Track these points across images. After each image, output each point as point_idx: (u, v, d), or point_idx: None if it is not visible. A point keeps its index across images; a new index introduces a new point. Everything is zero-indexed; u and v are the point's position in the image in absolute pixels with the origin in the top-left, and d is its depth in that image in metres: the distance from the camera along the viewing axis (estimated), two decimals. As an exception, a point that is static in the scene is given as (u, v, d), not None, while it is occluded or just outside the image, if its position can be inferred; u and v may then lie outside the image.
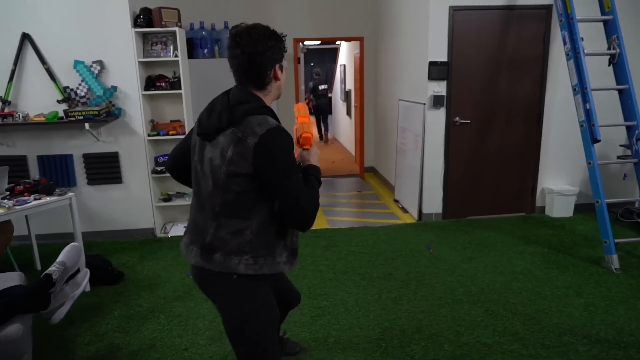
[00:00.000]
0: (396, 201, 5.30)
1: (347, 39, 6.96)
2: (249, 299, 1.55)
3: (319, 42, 16.38)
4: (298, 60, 6.45)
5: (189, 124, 4.21)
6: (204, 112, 1.61)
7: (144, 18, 3.96)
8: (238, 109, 1.48)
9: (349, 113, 8.65)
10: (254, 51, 1.48)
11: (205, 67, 5.81)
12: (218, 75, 5.81)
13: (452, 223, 4.49)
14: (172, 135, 4.25)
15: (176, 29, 4.04)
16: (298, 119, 1.72)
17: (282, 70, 1.55)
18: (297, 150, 1.67)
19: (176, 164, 1.73)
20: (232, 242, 1.49)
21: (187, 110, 4.25)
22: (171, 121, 4.41)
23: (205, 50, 5.87)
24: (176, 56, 4.13)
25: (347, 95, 8.71)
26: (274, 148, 1.42)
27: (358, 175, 6.97)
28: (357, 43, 6.72)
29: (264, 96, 1.54)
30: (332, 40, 6.31)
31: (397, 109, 5.24)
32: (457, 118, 4.40)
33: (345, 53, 8.96)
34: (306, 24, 6.30)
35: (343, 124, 9.67)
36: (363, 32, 6.43)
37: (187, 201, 4.41)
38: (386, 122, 5.96)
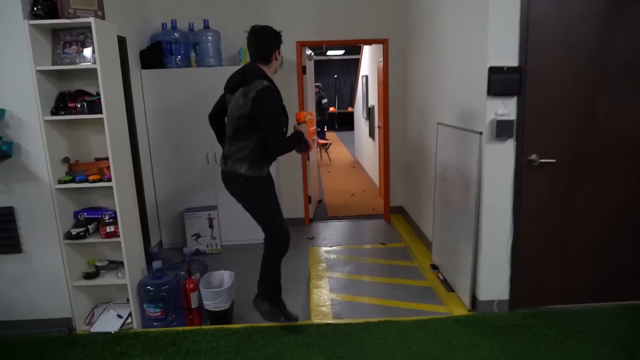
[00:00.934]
0: (435, 268, 3.68)
1: (367, 42, 5.43)
2: (251, 186, 2.63)
3: (342, 51, 15.05)
4: (303, 70, 4.98)
5: (121, 163, 2.78)
6: (230, 77, 2.71)
7: (43, 5, 2.56)
8: (248, 75, 2.55)
9: (372, 134, 7.09)
10: (265, 41, 2.60)
11: (176, 79, 4.42)
12: (196, 89, 4.38)
13: (526, 319, 2.85)
14: (94, 182, 2.81)
15: (91, 20, 2.62)
16: (300, 117, 2.80)
17: (279, 54, 2.65)
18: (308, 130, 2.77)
19: (215, 110, 2.90)
20: (237, 154, 2.60)
21: (113, 142, 2.81)
22: (97, 159, 2.98)
23: (178, 58, 4.47)
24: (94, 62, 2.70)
25: (369, 112, 7.16)
26: (264, 98, 2.45)
27: (382, 216, 5.38)
28: (380, 48, 5.19)
29: (267, 69, 2.60)
30: (347, 43, 4.76)
31: (436, 137, 3.66)
32: (535, 155, 2.79)
33: (368, 61, 7.44)
34: (314, 24, 4.82)
35: (366, 147, 8.11)
36: (387, 32, 4.90)
37: (121, 278, 2.96)
38: (420, 153, 4.37)
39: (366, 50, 7.62)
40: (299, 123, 2.76)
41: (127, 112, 4.00)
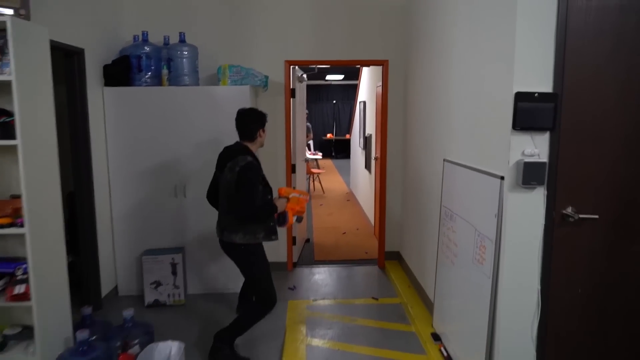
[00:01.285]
0: (437, 339, 3.00)
1: (364, 63, 4.87)
2: (250, 255, 2.81)
3: (341, 76, 14.63)
4: (292, 93, 4.41)
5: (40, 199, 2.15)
6: (219, 156, 2.92)
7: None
8: (234, 152, 2.79)
9: (368, 166, 6.48)
10: (249, 121, 2.86)
11: (144, 98, 3.84)
12: (167, 112, 3.81)
13: None
14: (1, 226, 2.17)
15: (6, 18, 2.03)
16: (281, 192, 2.97)
17: (263, 132, 2.90)
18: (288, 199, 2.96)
19: (211, 188, 3.08)
20: (231, 225, 2.78)
21: (31, 175, 2.19)
22: (13, 196, 2.35)
23: (148, 75, 3.90)
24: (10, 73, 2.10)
25: (366, 142, 6.57)
26: (243, 173, 2.66)
27: (376, 261, 4.72)
28: (380, 70, 4.64)
29: (251, 145, 2.86)
30: (342, 64, 4.21)
31: (441, 177, 3.04)
32: (571, 209, 2.16)
33: (366, 86, 6.91)
34: (305, 42, 4.28)
35: (361, 179, 7.49)
36: (387, 52, 4.35)
37: (31, 354, 2.28)
38: (421, 193, 3.75)
39: (365, 73, 7.11)
40: (279, 197, 2.94)
41: (81, 137, 3.43)
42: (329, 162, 14.44)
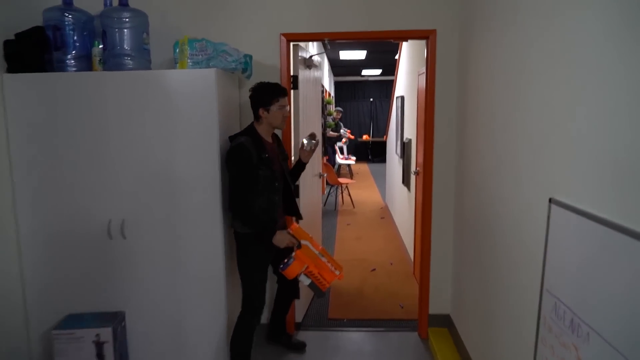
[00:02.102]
0: None
1: (397, 36, 3.32)
2: (243, 246, 2.58)
3: (378, 70, 13.09)
4: (293, 82, 3.03)
5: None
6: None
7: None
8: (236, 133, 2.59)
9: (406, 181, 4.98)
10: (252, 99, 2.55)
11: (66, 90, 2.48)
12: (98, 109, 2.54)
13: None
14: None
15: None
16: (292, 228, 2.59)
17: (266, 111, 2.51)
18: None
19: None
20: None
21: None
22: None
23: (72, 55, 2.63)
24: None
25: (404, 148, 5.07)
26: (228, 157, 2.44)
27: (416, 325, 3.26)
28: (422, 49, 3.17)
29: (258, 125, 2.56)
30: (365, 38, 2.76)
31: (544, 233, 1.56)
32: None
33: (404, 75, 5.40)
34: (311, 8, 2.89)
35: (398, 196, 5.97)
36: (434, 18, 2.89)
37: None
38: (491, 245, 2.25)
39: (404, 56, 5.59)
40: (288, 231, 2.55)
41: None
42: (364, 167, 12.96)
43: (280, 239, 2.49)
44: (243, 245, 2.57)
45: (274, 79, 2.91)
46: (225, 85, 2.62)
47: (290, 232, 2.53)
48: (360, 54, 9.34)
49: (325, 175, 4.28)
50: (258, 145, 2.47)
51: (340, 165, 11.14)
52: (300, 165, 2.77)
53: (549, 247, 1.55)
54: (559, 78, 1.51)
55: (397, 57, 6.07)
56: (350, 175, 10.61)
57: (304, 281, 2.50)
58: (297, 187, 3.15)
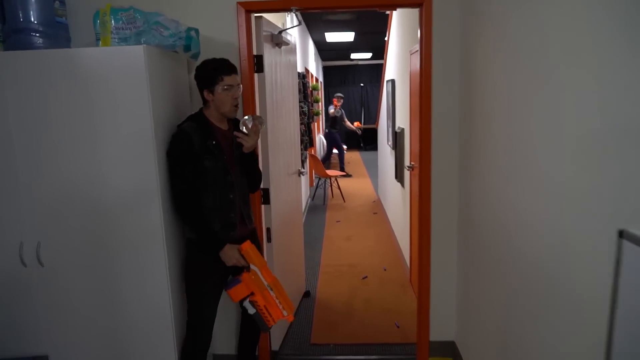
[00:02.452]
0: None
1: (383, 3, 2.76)
2: (187, 255, 2.13)
3: (369, 54, 12.44)
4: (257, 64, 2.44)
5: None
6: None
7: None
8: (182, 121, 2.08)
9: (399, 176, 4.42)
10: (195, 78, 2.05)
11: None
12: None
13: None
14: None
15: None
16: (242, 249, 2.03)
17: (211, 93, 2.00)
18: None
19: None
20: None
21: None
22: None
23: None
24: None
25: (396, 139, 4.49)
26: (168, 144, 2.03)
27: (414, 352, 2.74)
28: (414, 26, 2.58)
29: (206, 110, 2.07)
30: (342, 8, 2.20)
31: (613, 276, 1.01)
32: None
33: (395, 55, 4.80)
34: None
35: (391, 191, 5.41)
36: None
37: None
38: (514, 272, 1.71)
39: (394, 34, 4.97)
40: (240, 250, 2.02)
41: None
42: (356, 156, 12.41)
43: (228, 254, 2.01)
44: (189, 253, 2.13)
45: (232, 59, 2.32)
46: (164, 67, 2.04)
47: (241, 253, 2.01)
48: (348, 36, 8.70)
49: (303, 171, 3.71)
50: (204, 130, 2.01)
51: (330, 155, 10.56)
52: (245, 157, 2.13)
53: (620, 299, 1.00)
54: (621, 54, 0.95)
55: (386, 38, 5.47)
56: (341, 166, 10.04)
57: (248, 309, 2.04)
58: (266, 191, 2.58)
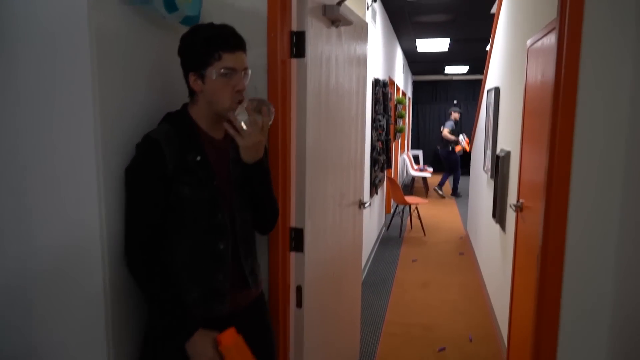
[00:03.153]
0: None
1: None
2: (147, 340, 1.30)
3: (465, 67, 11.11)
4: (296, 44, 1.63)
5: None
6: None
7: None
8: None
9: (499, 216, 3.29)
10: (179, 53, 1.28)
11: None
12: None
13: None
14: None
15: None
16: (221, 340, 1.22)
17: (199, 79, 1.24)
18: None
19: None
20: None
21: None
22: None
23: None
24: None
25: (497, 165, 3.38)
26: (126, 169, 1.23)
27: None
28: (537, 6, 1.61)
29: (192, 106, 1.30)
30: None
31: None
32: None
33: (502, 56, 3.71)
34: None
35: (485, 232, 4.23)
36: None
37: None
38: None
39: (502, 24, 3.85)
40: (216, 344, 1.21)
41: None
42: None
43: (198, 350, 1.19)
44: (146, 337, 1.31)
45: (257, 35, 1.54)
46: (134, 35, 1.29)
47: (219, 349, 1.18)
48: (442, 44, 7.68)
49: (366, 203, 2.90)
50: (185, 138, 1.26)
51: (413, 177, 9.50)
52: (250, 177, 1.34)
53: None
54: None
55: (492, 31, 4.39)
56: (426, 191, 8.94)
57: None
58: (299, 232, 1.74)
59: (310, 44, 1.67)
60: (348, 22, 1.96)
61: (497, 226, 3.30)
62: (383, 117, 4.81)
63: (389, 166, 5.36)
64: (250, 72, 1.29)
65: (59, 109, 1.15)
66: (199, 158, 1.24)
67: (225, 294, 1.29)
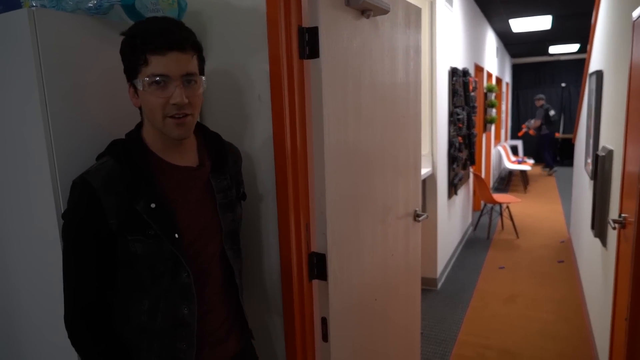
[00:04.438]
0: None
1: None
2: None
3: (575, 45, 9.73)
4: (303, 42, 1.39)
5: None
6: None
7: None
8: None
9: (598, 229, 2.70)
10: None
11: None
12: None
13: None
14: None
15: None
16: None
17: (133, 90, 1.02)
18: None
19: None
20: None
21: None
22: None
23: None
24: None
25: (597, 166, 2.78)
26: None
27: None
28: None
29: (144, 129, 1.08)
30: None
31: None
32: None
33: (605, 36, 3.05)
34: None
35: (586, 244, 3.53)
36: None
37: None
38: None
39: (604, 2, 3.21)
40: None
41: None
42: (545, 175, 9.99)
43: None
44: None
45: (257, 38, 1.33)
46: (91, 49, 1.16)
47: None
48: (542, 22, 6.77)
49: (422, 215, 2.63)
50: (135, 177, 1.02)
51: (510, 171, 8.64)
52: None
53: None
54: None
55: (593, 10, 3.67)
56: (524, 185, 8.05)
57: None
58: (321, 258, 1.51)
59: (328, 41, 1.42)
60: (382, 11, 1.65)
61: (597, 241, 2.73)
62: (463, 109, 4.32)
63: (472, 163, 4.84)
64: (203, 78, 1.05)
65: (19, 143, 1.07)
66: (153, 205, 1.00)
67: None
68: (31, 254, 1.16)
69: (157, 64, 0.96)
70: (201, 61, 1.06)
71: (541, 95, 9.73)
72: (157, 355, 1.06)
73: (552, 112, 9.63)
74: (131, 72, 1.00)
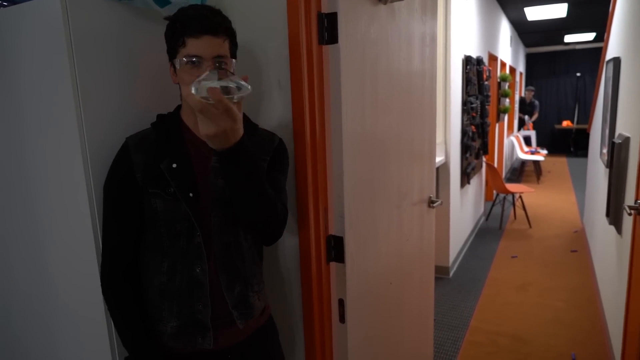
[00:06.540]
0: None
1: None
2: None
3: (591, 34, 9.56)
4: (322, 28, 1.41)
5: None
6: None
7: None
8: None
9: (613, 217, 2.70)
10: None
11: None
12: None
13: None
14: None
15: None
16: None
17: (174, 70, 1.11)
18: None
19: None
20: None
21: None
22: None
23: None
24: None
25: (612, 153, 2.77)
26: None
27: None
28: None
29: (182, 108, 1.18)
30: None
31: None
32: None
33: (624, 21, 3.02)
34: None
35: (600, 232, 3.53)
36: None
37: None
38: None
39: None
40: None
41: None
42: (561, 163, 9.92)
43: None
44: None
45: (278, 23, 1.36)
46: (126, 32, 1.20)
47: None
48: (558, 10, 6.67)
49: (436, 201, 2.67)
50: (165, 143, 1.13)
51: (523, 161, 8.59)
52: (219, 160, 1.07)
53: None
54: None
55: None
56: (537, 175, 8.00)
57: None
58: (339, 241, 1.55)
59: (346, 27, 1.44)
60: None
61: (612, 228, 2.73)
62: (477, 98, 4.30)
63: (485, 152, 4.82)
64: (234, 61, 1.12)
65: (52, 133, 1.11)
66: (174, 165, 1.09)
67: (207, 328, 1.13)
68: (65, 230, 1.22)
69: (192, 46, 1.04)
70: (233, 45, 1.13)
71: (531, 87, 9.75)
72: (178, 316, 1.13)
73: (536, 102, 9.90)
74: (171, 52, 1.10)
